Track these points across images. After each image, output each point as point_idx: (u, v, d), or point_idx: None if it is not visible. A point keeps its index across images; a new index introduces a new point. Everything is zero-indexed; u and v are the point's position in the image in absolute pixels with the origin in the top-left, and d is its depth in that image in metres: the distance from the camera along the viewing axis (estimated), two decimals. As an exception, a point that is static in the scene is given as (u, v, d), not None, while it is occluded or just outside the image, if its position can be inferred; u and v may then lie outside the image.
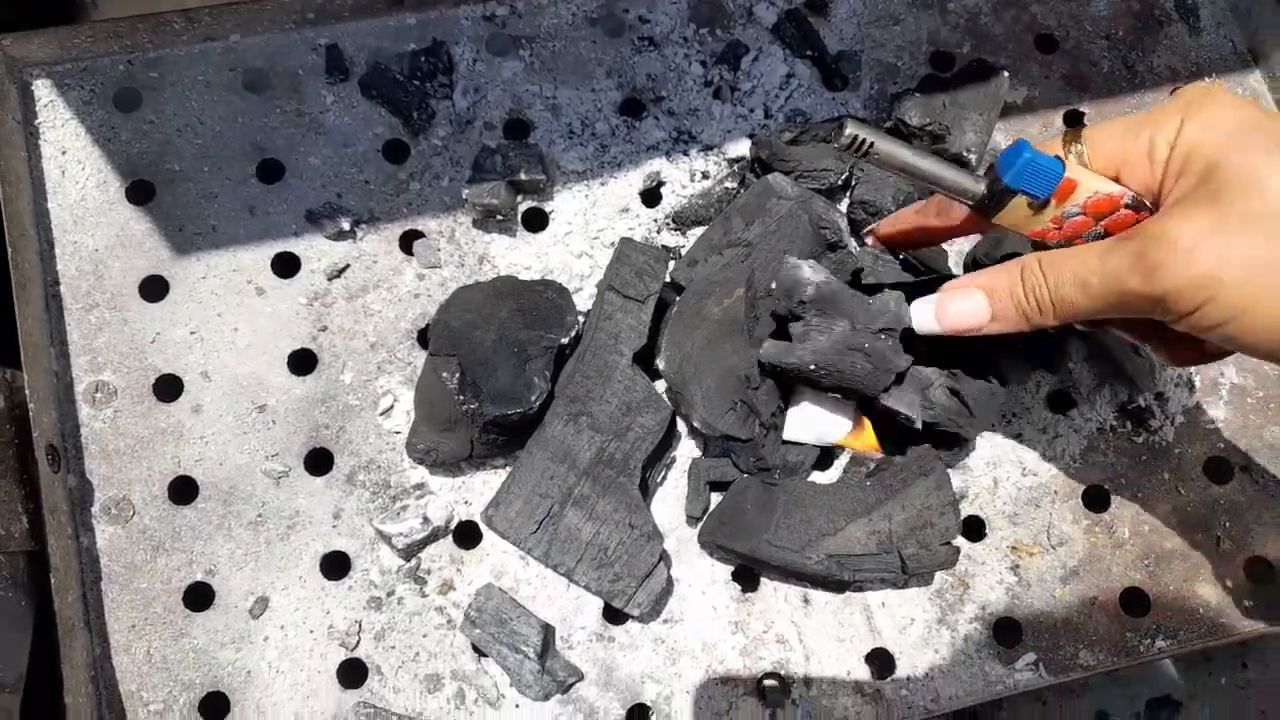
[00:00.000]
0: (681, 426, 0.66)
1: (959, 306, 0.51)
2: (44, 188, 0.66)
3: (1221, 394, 0.70)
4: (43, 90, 0.67)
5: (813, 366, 0.55)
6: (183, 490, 0.63)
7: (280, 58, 0.70)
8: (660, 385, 0.64)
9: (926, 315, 0.52)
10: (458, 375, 0.56)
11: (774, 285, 0.57)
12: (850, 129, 0.47)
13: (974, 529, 0.67)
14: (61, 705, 0.56)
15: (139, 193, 0.67)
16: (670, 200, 0.70)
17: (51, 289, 0.64)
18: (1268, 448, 0.69)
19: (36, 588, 0.58)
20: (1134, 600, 0.66)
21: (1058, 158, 0.47)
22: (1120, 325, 0.53)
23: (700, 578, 0.64)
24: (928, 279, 0.61)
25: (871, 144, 0.48)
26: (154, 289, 0.66)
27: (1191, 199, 0.44)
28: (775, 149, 0.67)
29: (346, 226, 0.67)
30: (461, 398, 0.55)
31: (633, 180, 0.70)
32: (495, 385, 0.56)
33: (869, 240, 0.61)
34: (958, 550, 0.60)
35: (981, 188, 0.49)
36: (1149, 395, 0.69)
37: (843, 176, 0.68)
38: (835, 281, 0.56)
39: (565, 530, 0.58)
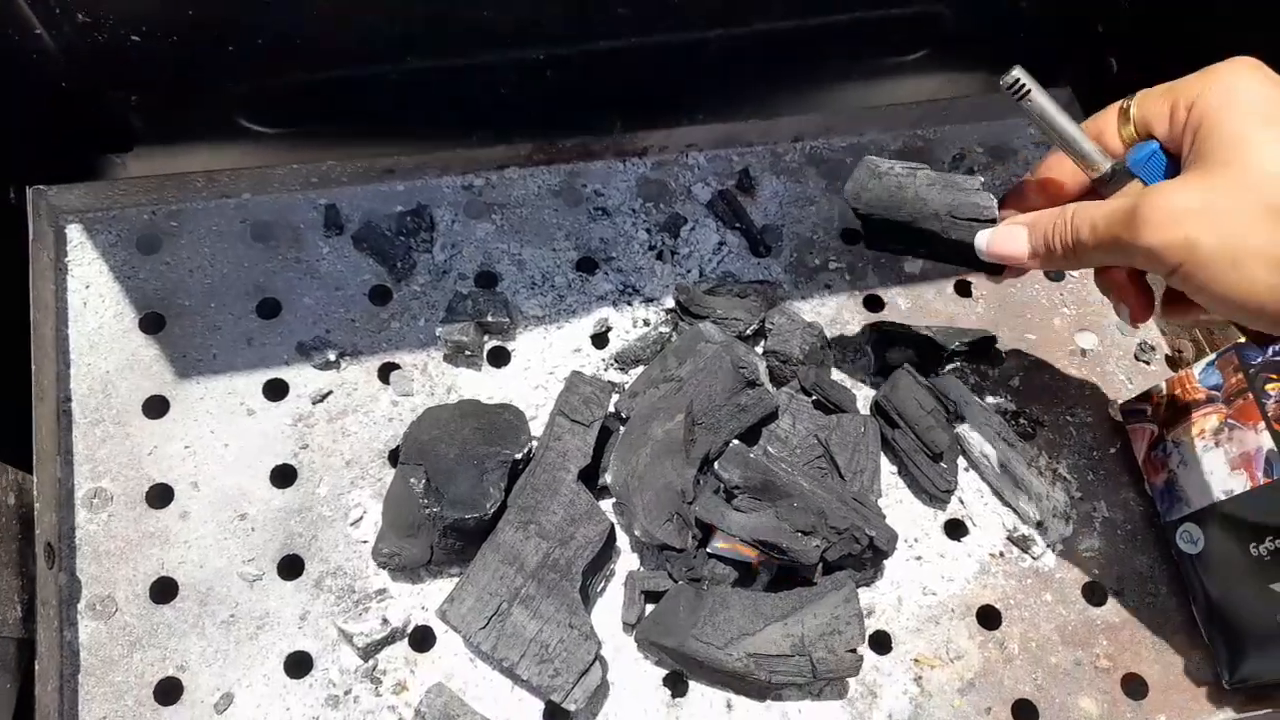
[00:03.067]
0: (621, 542, 0.74)
1: (1005, 240, 0.60)
2: (66, 316, 0.75)
3: (1095, 526, 0.79)
4: (74, 233, 0.78)
5: (735, 533, 0.65)
6: (164, 590, 0.69)
7: (285, 213, 0.81)
8: (603, 503, 0.72)
9: (981, 242, 0.62)
10: (423, 482, 0.64)
11: (719, 462, 0.69)
12: (1016, 72, 0.57)
13: (882, 643, 0.74)
14: (32, 788, 0.60)
15: (151, 323, 0.76)
16: (616, 343, 0.81)
17: (64, 404, 0.72)
18: (1136, 575, 0.78)
19: (22, 673, 0.63)
20: (1025, 711, 0.73)
21: (1172, 160, 0.54)
22: (1130, 282, 0.59)
23: (633, 682, 0.70)
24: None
25: (1028, 91, 0.57)
26: (156, 407, 0.74)
27: (1189, 161, 0.50)
28: (694, 296, 0.79)
29: (332, 358, 0.77)
30: (425, 501, 0.63)
31: (584, 325, 0.81)
32: (456, 492, 0.65)
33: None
34: (860, 658, 0.67)
35: (1107, 165, 0.57)
36: (1031, 525, 0.78)
37: (752, 326, 0.79)
38: (771, 472, 0.67)
39: (511, 627, 0.64)
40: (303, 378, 0.77)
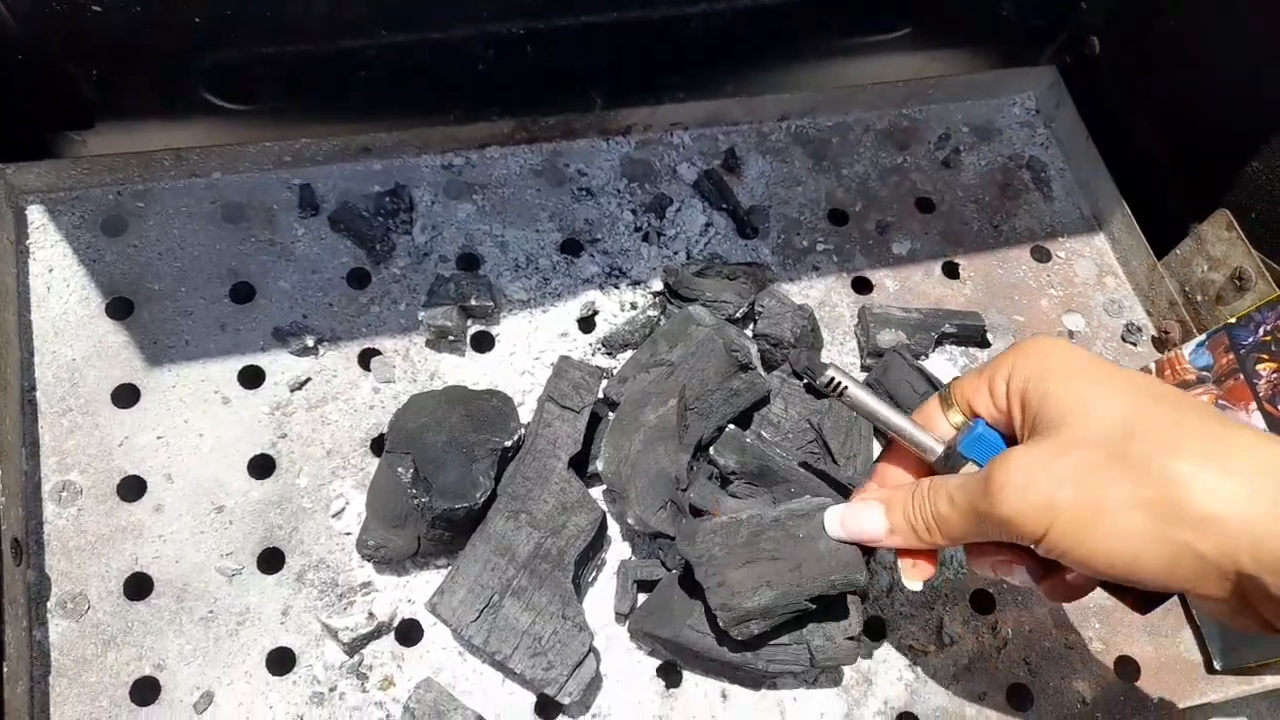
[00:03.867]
0: (612, 531, 0.72)
1: (860, 518, 0.56)
2: (29, 301, 0.71)
3: (1085, 506, 0.79)
4: (36, 214, 0.74)
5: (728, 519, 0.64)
6: (138, 586, 0.66)
7: (257, 193, 0.78)
8: (593, 490, 0.71)
9: (834, 523, 0.57)
10: (411, 471, 0.62)
11: (715, 447, 0.67)
12: (831, 372, 0.55)
13: (875, 629, 0.73)
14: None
15: (118, 309, 0.73)
16: (603, 327, 0.79)
17: (28, 394, 0.69)
18: (1126, 554, 0.78)
19: (-10, 676, 0.60)
20: (1019, 695, 0.73)
21: (1002, 435, 0.53)
22: (1008, 554, 0.54)
23: (627, 674, 0.69)
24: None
25: (845, 388, 0.56)
26: (126, 396, 0.71)
27: (1032, 429, 0.49)
28: (682, 278, 0.78)
29: (310, 343, 0.74)
30: (413, 491, 0.61)
31: (570, 309, 0.79)
32: (444, 481, 0.63)
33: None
34: (859, 646, 0.66)
35: (940, 449, 0.55)
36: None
37: (742, 309, 0.78)
38: (768, 457, 0.65)
39: (504, 619, 0.63)
40: (280, 364, 0.74)
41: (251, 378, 0.73)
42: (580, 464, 0.70)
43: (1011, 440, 0.53)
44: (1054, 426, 0.47)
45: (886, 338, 0.79)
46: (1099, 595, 0.75)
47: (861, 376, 0.81)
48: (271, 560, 0.69)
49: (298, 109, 0.80)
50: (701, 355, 0.71)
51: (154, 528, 0.68)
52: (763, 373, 0.75)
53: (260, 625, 0.67)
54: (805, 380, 0.76)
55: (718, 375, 0.71)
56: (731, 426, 0.69)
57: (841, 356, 0.82)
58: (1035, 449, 0.47)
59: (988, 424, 0.53)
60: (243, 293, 0.75)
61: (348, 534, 0.70)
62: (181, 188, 0.77)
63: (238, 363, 0.73)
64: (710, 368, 0.71)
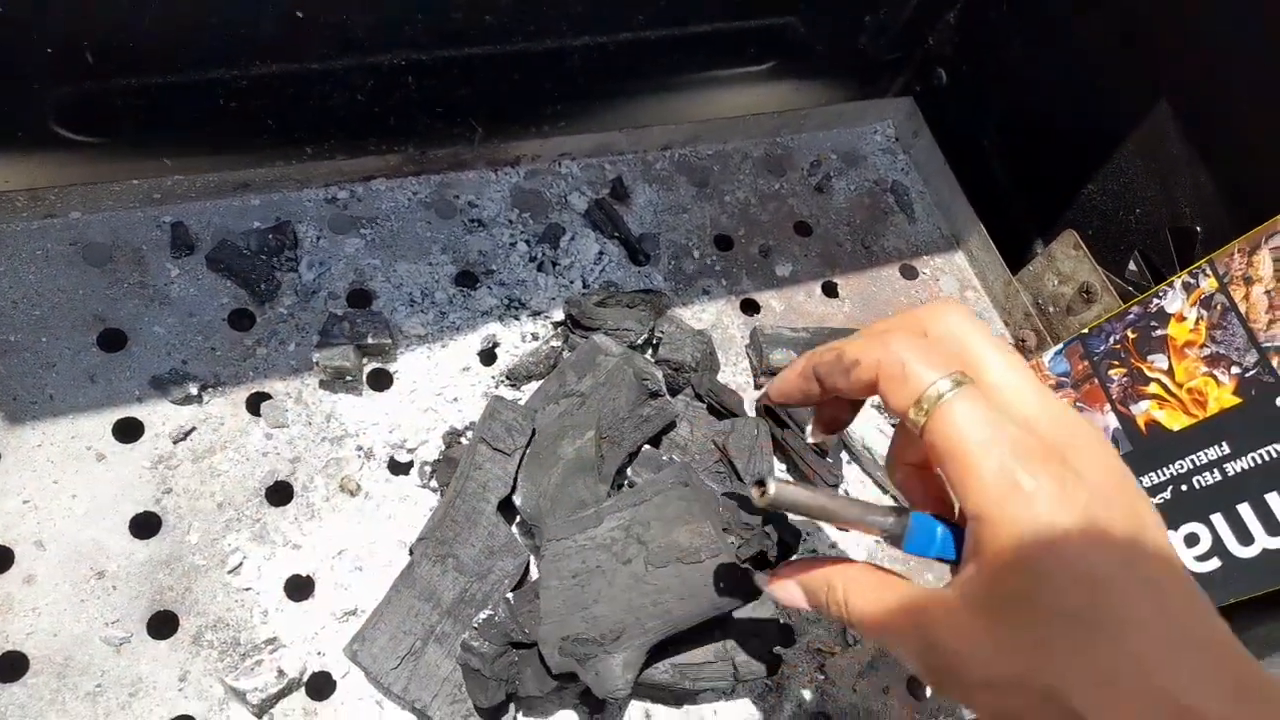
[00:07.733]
0: (532, 565, 0.72)
1: (786, 594, 0.52)
2: None
3: (964, 506, 0.85)
4: None
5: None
6: (12, 666, 0.60)
7: (123, 233, 0.73)
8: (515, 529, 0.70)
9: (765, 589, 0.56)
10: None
11: (633, 467, 0.67)
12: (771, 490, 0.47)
13: (785, 635, 0.76)
14: None
15: (-31, 363, 0.66)
16: (504, 359, 0.78)
17: None
18: (1003, 548, 0.84)
19: None
20: (918, 684, 0.77)
21: (945, 521, 0.47)
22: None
23: (549, 706, 0.68)
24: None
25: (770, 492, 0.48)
26: (-17, 459, 0.64)
27: (967, 550, 0.43)
28: (584, 309, 0.78)
29: (193, 391, 0.70)
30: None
31: (470, 342, 0.78)
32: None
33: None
34: (780, 658, 0.69)
35: (888, 522, 0.48)
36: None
37: (643, 337, 0.79)
38: (685, 475, 0.66)
39: (425, 666, 0.61)
40: (160, 415, 0.69)
41: (128, 431, 0.68)
42: (507, 506, 0.69)
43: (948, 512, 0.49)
44: (1001, 574, 0.41)
45: (779, 356, 0.83)
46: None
47: (754, 394, 0.84)
48: (163, 624, 0.64)
49: (163, 142, 0.75)
50: (612, 384, 0.72)
51: (25, 600, 0.62)
52: (668, 397, 0.77)
53: (156, 694, 0.62)
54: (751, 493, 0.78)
55: (629, 403, 0.72)
56: (647, 447, 0.70)
57: (736, 377, 0.85)
58: (993, 616, 0.41)
59: (928, 516, 0.47)
60: (113, 340, 0.70)
61: (247, 589, 0.66)
62: (35, 229, 0.71)
63: (111, 415, 0.68)
64: (621, 396, 0.71)
